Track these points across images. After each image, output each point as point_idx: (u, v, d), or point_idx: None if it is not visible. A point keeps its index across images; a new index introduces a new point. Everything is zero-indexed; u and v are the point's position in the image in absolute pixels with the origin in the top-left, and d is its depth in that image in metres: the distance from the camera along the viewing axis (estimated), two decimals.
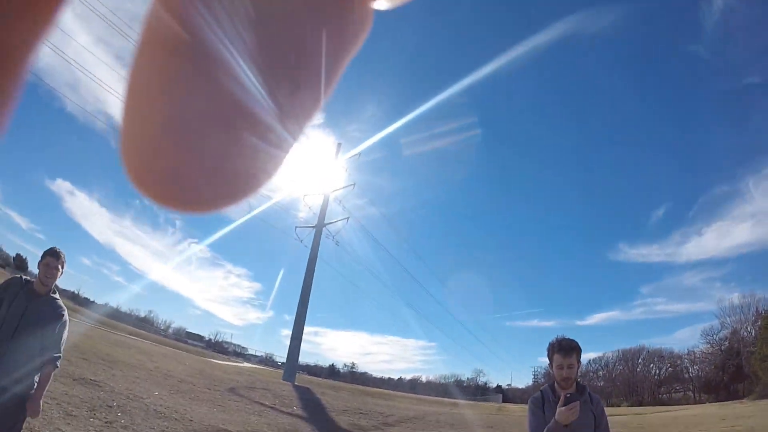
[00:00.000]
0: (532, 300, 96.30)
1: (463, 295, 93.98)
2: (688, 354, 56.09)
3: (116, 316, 56.79)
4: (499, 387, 70.86)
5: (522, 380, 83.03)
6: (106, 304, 62.16)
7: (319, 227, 27.20)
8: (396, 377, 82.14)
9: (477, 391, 67.01)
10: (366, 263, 53.92)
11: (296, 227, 29.73)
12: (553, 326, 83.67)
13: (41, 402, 2.98)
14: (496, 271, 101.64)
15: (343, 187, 28.34)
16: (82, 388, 6.22)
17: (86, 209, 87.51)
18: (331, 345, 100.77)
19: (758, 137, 71.59)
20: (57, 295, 3.12)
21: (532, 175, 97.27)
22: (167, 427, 5.73)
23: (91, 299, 61.78)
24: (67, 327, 3.12)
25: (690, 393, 53.69)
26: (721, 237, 76.10)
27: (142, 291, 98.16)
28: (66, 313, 3.13)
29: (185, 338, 64.79)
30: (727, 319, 51.74)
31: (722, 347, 51.29)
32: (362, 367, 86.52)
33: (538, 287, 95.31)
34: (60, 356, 3.05)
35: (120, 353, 11.98)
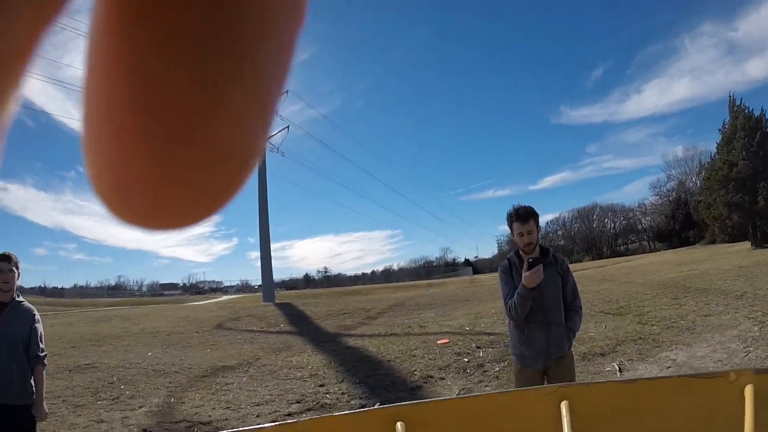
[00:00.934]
0: (484, 172, 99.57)
1: (418, 178, 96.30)
2: (639, 207, 59.01)
3: (88, 293, 56.21)
4: (467, 261, 74.87)
5: (488, 251, 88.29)
6: (75, 286, 61.16)
7: None
8: (369, 271, 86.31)
9: (447, 268, 71.10)
10: (316, 167, 53.90)
11: None
12: (508, 194, 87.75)
13: (44, 404, 3.12)
14: (444, 149, 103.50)
15: None
16: (80, 376, 6.60)
17: (24, 199, 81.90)
18: (301, 255, 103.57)
19: None
20: (21, 298, 3.13)
21: (472, 46, 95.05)
22: (170, 382, 6.31)
23: (60, 286, 60.59)
24: (41, 324, 3.17)
25: (645, 243, 57.02)
26: (660, 93, 78.34)
27: (105, 260, 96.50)
28: (35, 310, 3.17)
29: (161, 291, 65.21)
30: (673, 171, 54.14)
31: (670, 198, 53.83)
32: (335, 269, 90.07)
33: (487, 159, 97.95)
34: (45, 354, 3.13)
35: (104, 328, 12.29)
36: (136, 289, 69.47)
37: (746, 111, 27.38)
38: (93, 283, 67.81)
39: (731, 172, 26.78)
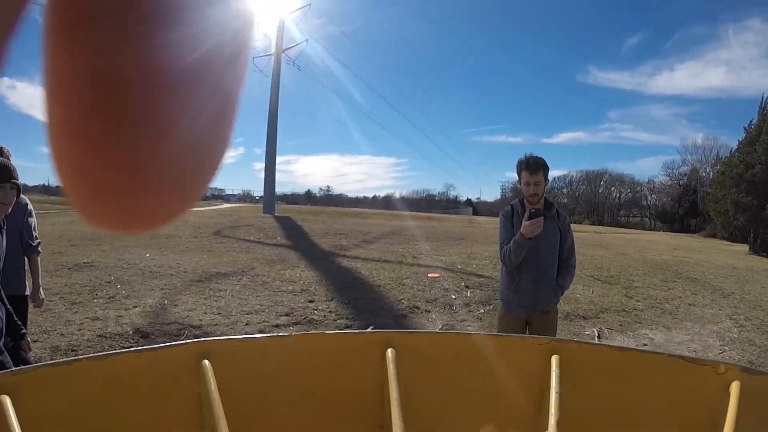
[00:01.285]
0: (500, 115, 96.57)
1: (432, 111, 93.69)
2: (648, 183, 58.68)
3: None
4: (469, 200, 74.58)
5: (491, 194, 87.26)
6: None
7: (278, 54, 25.99)
8: (370, 196, 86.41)
9: (448, 205, 70.82)
10: (330, 85, 52.30)
11: (253, 57, 28.45)
12: (520, 143, 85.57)
13: (41, 291, 3.23)
14: (463, 85, 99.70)
15: (299, 9, 26.47)
16: (78, 274, 6.75)
17: (32, 97, 79.67)
18: (305, 171, 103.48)
19: None
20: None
21: None
22: (165, 285, 6.48)
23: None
24: (33, 214, 3.19)
25: (647, 219, 56.89)
26: (693, 76, 75.19)
27: None
28: (27, 200, 3.17)
29: None
30: (689, 156, 53.54)
31: (680, 182, 53.54)
32: (337, 189, 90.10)
33: (506, 102, 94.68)
34: (38, 242, 3.19)
35: None
36: None
37: None
38: None
39: (746, 173, 26.44)
